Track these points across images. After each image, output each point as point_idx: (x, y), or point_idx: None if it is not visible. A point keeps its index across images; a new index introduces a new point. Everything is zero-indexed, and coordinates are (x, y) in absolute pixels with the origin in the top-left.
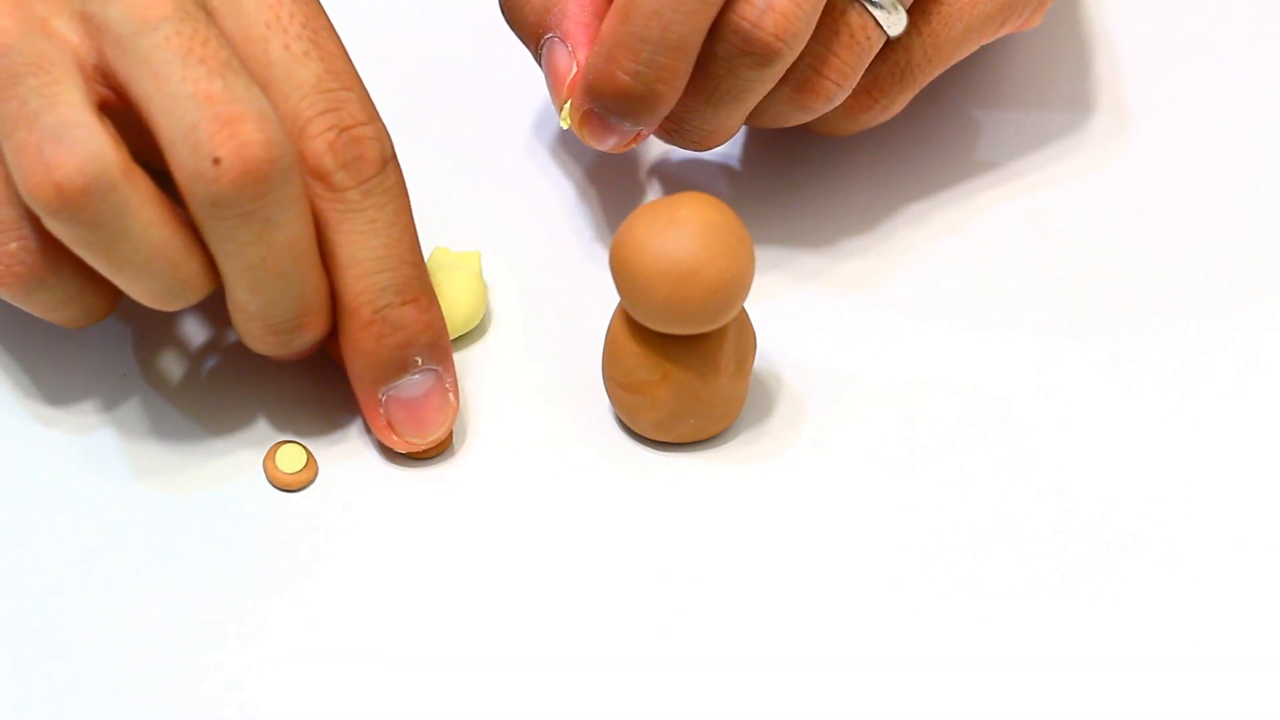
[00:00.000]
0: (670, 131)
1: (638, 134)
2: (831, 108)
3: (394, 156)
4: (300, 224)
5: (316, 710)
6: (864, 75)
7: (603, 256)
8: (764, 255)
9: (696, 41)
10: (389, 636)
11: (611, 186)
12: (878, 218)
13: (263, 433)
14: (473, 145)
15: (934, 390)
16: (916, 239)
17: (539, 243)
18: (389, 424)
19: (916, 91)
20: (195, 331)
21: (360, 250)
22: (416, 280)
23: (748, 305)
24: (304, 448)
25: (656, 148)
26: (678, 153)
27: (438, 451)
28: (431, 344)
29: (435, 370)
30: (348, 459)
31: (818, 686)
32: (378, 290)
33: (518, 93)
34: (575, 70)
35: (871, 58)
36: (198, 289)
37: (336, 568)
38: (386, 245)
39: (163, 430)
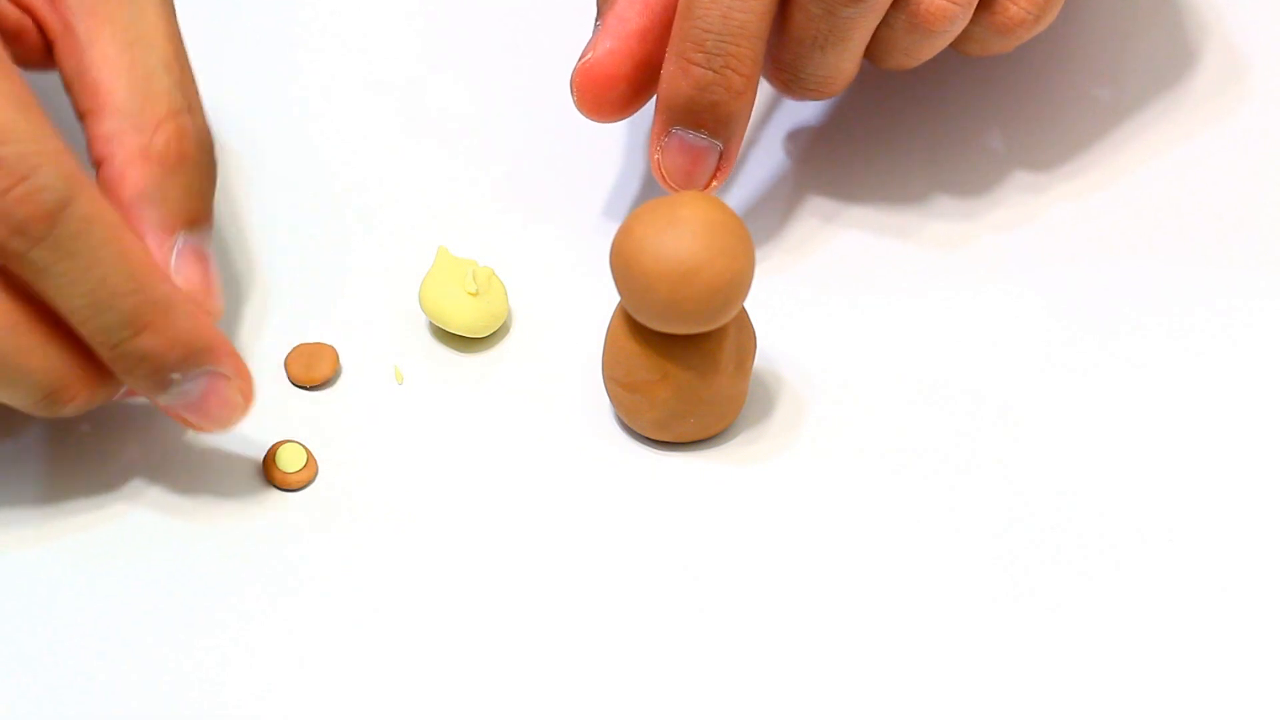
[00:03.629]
0: (788, 83)
1: (720, 161)
2: (954, 29)
3: (75, 190)
4: None
5: (316, 710)
6: None
7: (603, 256)
8: (764, 255)
9: (759, 25)
10: (389, 636)
11: (611, 187)
12: (879, 217)
13: (263, 433)
14: (473, 146)
15: (935, 390)
16: (918, 239)
17: (539, 243)
18: (186, 420)
19: None
20: None
21: (70, 300)
22: (144, 304)
23: (748, 305)
24: (304, 448)
25: None
26: None
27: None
28: (186, 357)
29: (205, 372)
30: (348, 459)
31: (818, 685)
32: (105, 331)
33: (518, 93)
34: (589, 56)
35: None
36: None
37: (337, 568)
38: (93, 288)
39: (163, 430)
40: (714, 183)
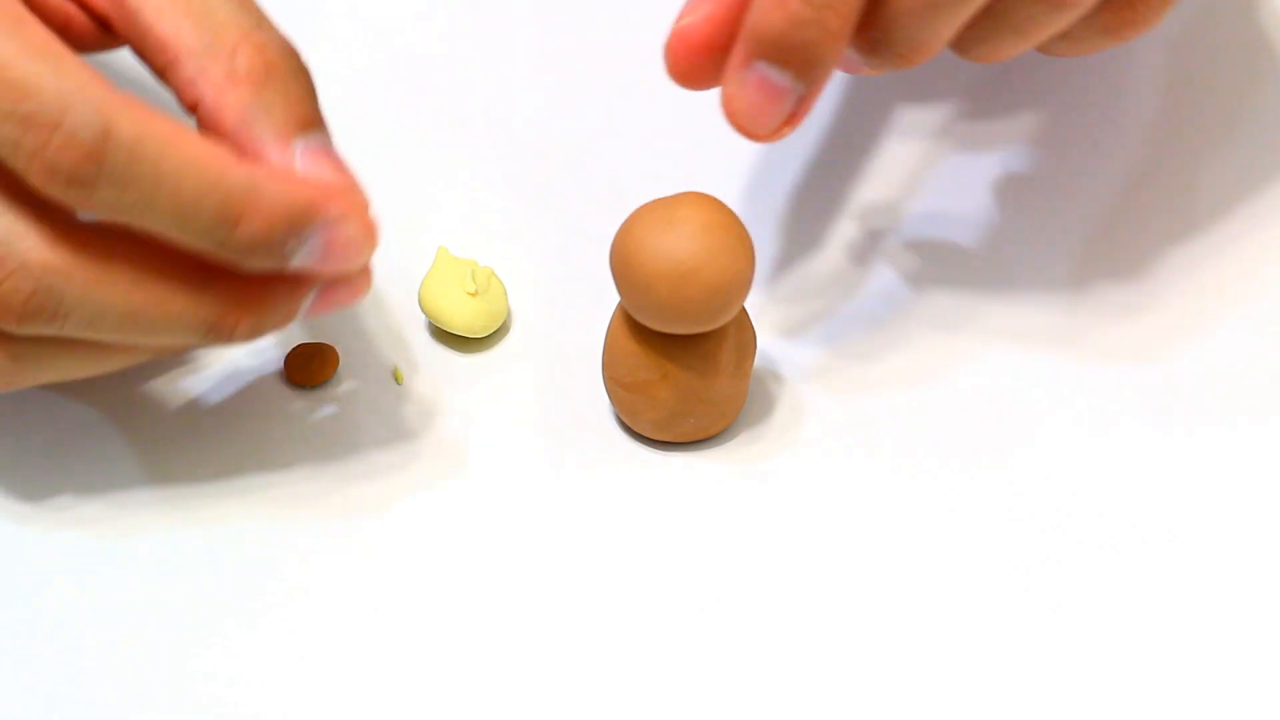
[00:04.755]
0: (874, 45)
1: (799, 105)
2: (1082, 9)
3: (111, 116)
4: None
5: (317, 710)
6: None
7: (603, 256)
8: (764, 254)
9: None
10: (389, 636)
11: (611, 187)
12: (878, 217)
13: (262, 431)
14: (473, 146)
15: (935, 390)
16: (918, 238)
17: (538, 243)
18: (332, 295)
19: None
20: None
21: (156, 223)
22: (227, 197)
23: (748, 305)
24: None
25: (655, 145)
26: (677, 152)
27: (322, 379)
28: (292, 223)
29: (318, 226)
30: (348, 459)
31: (819, 686)
32: (202, 236)
33: (518, 92)
34: (685, 21)
35: None
36: None
37: (337, 568)
38: (170, 203)
39: (162, 428)
40: (785, 129)
